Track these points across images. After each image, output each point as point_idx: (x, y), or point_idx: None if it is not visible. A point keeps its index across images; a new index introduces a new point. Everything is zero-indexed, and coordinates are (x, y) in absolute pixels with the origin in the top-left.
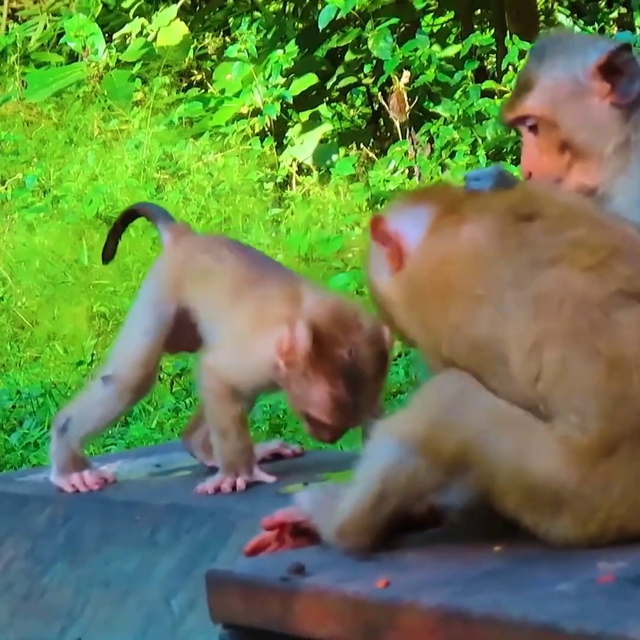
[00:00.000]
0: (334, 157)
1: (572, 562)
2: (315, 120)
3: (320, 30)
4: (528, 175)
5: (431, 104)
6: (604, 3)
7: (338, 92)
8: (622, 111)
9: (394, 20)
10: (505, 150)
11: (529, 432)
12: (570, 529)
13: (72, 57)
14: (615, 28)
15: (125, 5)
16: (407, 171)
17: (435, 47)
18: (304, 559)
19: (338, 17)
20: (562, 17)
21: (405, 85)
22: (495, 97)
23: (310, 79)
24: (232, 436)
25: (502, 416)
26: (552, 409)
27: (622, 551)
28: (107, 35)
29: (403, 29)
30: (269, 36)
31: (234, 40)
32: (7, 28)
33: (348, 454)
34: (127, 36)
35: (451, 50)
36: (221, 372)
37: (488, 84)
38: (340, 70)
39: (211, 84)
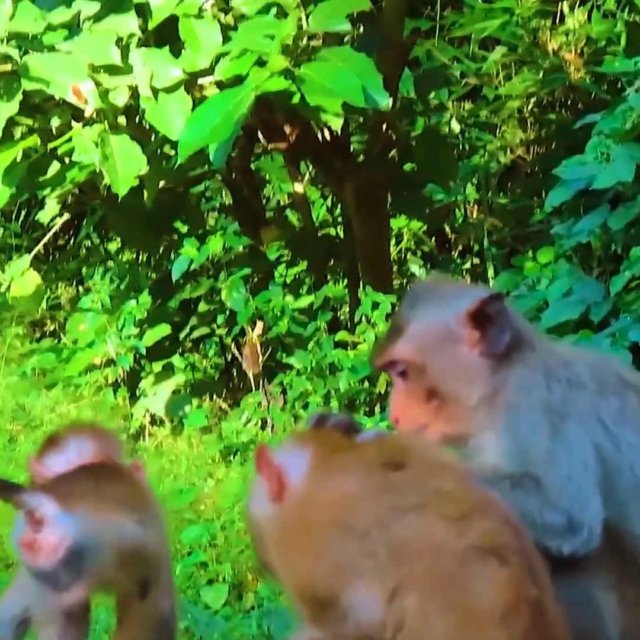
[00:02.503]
0: (187, 408)
1: None
2: (168, 370)
3: (174, 281)
4: (395, 421)
5: (284, 355)
6: (456, 253)
7: (191, 343)
8: (492, 362)
9: (247, 271)
10: (358, 401)
11: None
12: None
13: None
14: (469, 279)
15: None
16: (260, 422)
17: (289, 298)
18: None
19: (191, 268)
20: (415, 268)
21: (259, 336)
22: (348, 348)
23: (164, 329)
24: None
25: None
26: None
27: None
28: None
29: (256, 279)
30: (123, 286)
31: (88, 291)
32: None
33: None
34: None
35: (304, 301)
36: None
37: (341, 335)
38: (193, 320)
39: (64, 334)
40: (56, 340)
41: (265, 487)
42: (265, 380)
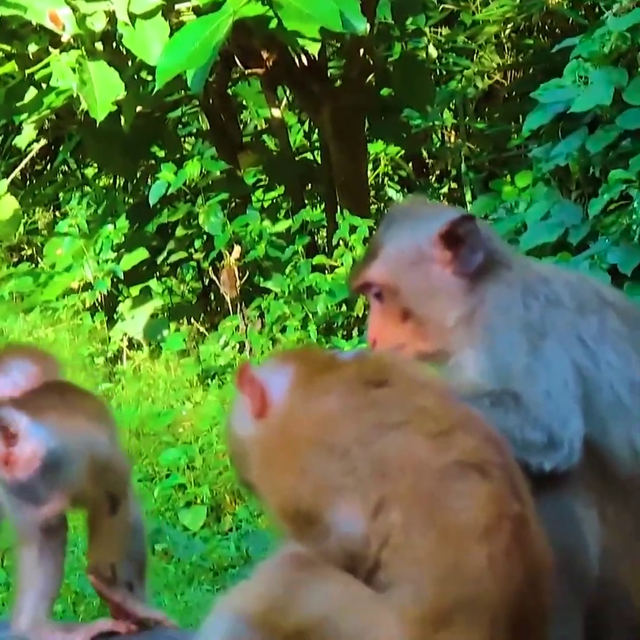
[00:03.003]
0: (165, 332)
1: None
2: (146, 295)
3: (151, 205)
4: (373, 342)
5: (262, 279)
6: (434, 178)
7: (169, 267)
8: (467, 282)
9: (224, 196)
10: (336, 324)
11: (369, 611)
12: None
13: None
14: (446, 204)
15: None
16: (238, 346)
17: (266, 222)
18: None
19: (168, 193)
20: (393, 193)
21: (236, 260)
22: (326, 271)
23: (141, 254)
24: None
25: (343, 597)
26: (391, 576)
27: None
28: None
29: (233, 204)
30: (100, 211)
31: (65, 215)
32: None
33: (187, 631)
34: None
35: (282, 225)
36: None
37: (319, 259)
38: (170, 245)
39: (42, 259)
40: (33, 265)
41: (248, 405)
42: (243, 304)
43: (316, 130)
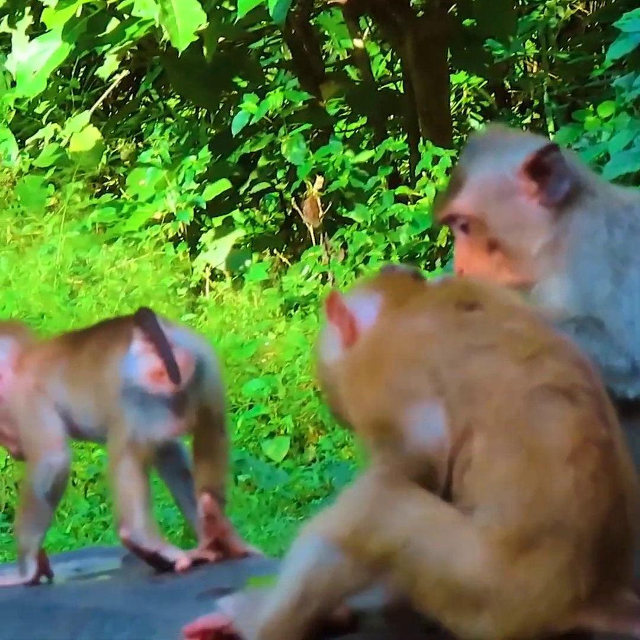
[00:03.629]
0: (247, 263)
1: None
2: (229, 225)
3: (233, 136)
4: (460, 273)
5: (345, 210)
6: (516, 109)
7: (251, 198)
8: (551, 211)
9: (307, 126)
10: (418, 255)
11: (453, 533)
12: (491, 628)
13: None
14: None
15: (38, 111)
16: (320, 276)
17: (349, 153)
18: None
19: (251, 123)
20: (475, 123)
21: (319, 190)
22: (409, 202)
23: (223, 185)
24: None
25: (428, 518)
26: (476, 500)
27: None
28: (19, 141)
29: (316, 134)
30: (182, 142)
31: (147, 146)
32: None
33: (271, 560)
34: (39, 142)
35: (364, 156)
36: None
37: (401, 190)
38: (253, 175)
39: (124, 190)
40: (116, 196)
41: (337, 334)
42: (326, 234)
43: (398, 61)
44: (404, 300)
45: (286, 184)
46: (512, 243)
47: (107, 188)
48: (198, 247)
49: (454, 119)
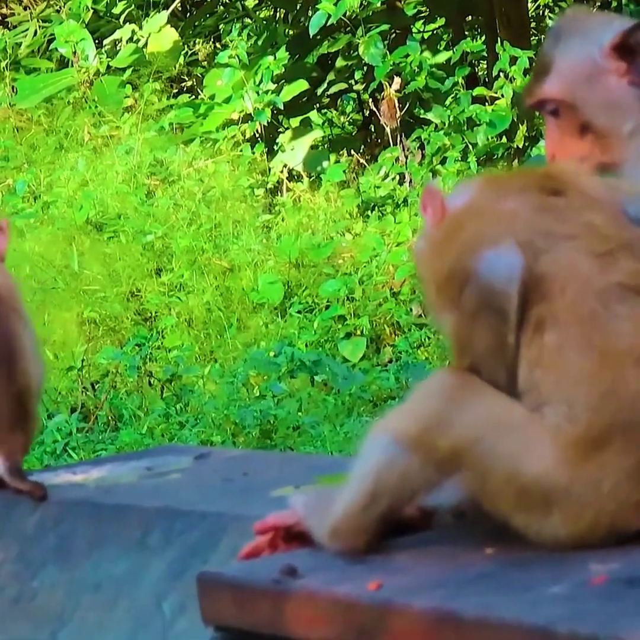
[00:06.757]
0: (325, 164)
1: (564, 564)
2: (306, 126)
3: (311, 36)
4: (552, 158)
5: (422, 111)
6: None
7: (329, 99)
8: None
9: (385, 27)
10: (496, 156)
11: (523, 431)
12: (560, 528)
13: (63, 63)
14: None
15: (116, 11)
16: (397, 177)
17: (426, 54)
18: (296, 561)
19: (329, 23)
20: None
21: (396, 91)
22: (486, 103)
23: (301, 85)
24: None
25: (498, 415)
26: (545, 397)
27: (614, 552)
28: (97, 41)
29: (394, 35)
30: (260, 42)
31: (225, 47)
32: None
33: (339, 458)
34: (117, 42)
35: (442, 57)
36: None
37: (479, 91)
38: (331, 76)
39: (202, 90)
40: (193, 96)
41: (429, 221)
42: (403, 135)
43: None
44: (493, 185)
45: (364, 85)
46: (603, 123)
47: (185, 88)
48: (275, 147)
49: (532, 19)
